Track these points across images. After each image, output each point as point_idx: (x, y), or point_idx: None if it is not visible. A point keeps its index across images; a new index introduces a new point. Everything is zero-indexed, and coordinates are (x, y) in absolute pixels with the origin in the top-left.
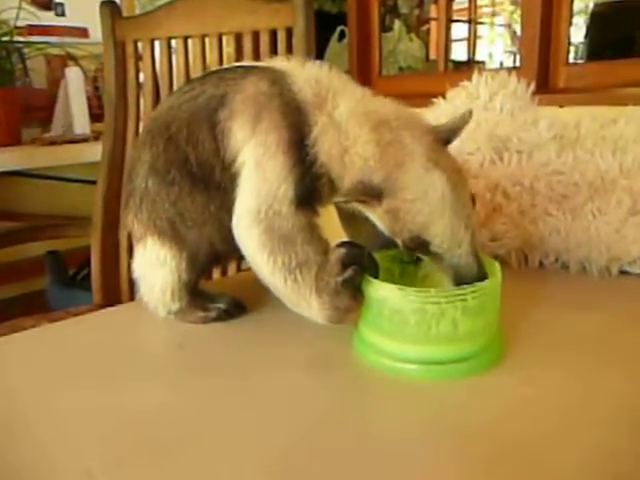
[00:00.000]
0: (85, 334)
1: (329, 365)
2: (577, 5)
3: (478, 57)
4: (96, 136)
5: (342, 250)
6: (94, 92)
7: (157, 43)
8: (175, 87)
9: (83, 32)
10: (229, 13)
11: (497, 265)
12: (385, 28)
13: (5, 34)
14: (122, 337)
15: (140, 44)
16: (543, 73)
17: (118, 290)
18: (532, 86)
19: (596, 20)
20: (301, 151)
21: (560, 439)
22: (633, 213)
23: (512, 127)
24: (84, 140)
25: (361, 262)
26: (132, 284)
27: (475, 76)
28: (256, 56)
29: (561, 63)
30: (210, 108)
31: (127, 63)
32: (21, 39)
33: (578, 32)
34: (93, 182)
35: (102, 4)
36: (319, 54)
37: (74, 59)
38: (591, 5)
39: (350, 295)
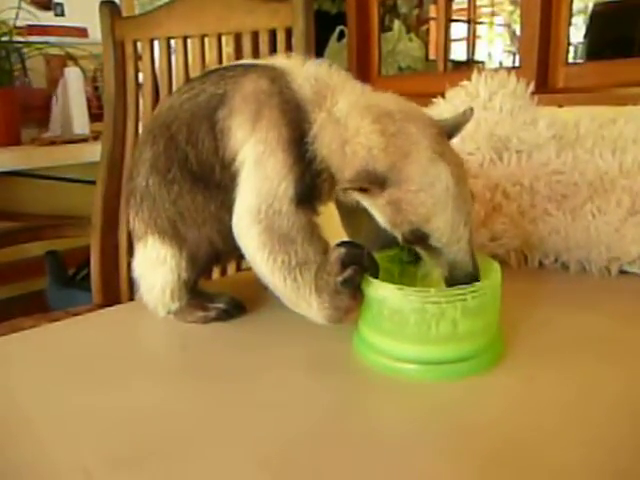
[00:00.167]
0: (84, 334)
1: (329, 365)
2: (577, 5)
3: (477, 57)
4: (95, 136)
5: (342, 250)
6: (93, 92)
7: (156, 43)
8: (174, 87)
9: (82, 32)
10: (228, 13)
11: (497, 265)
12: (384, 28)
13: (4, 34)
14: (121, 337)
15: (139, 44)
16: (542, 73)
17: (117, 290)
18: (531, 86)
19: (595, 20)
20: (301, 149)
21: (560, 437)
22: (633, 213)
23: (512, 127)
24: (83, 140)
25: (361, 262)
26: (131, 284)
27: (475, 76)
28: (255, 56)
29: (560, 63)
30: (210, 107)
31: (126, 63)
32: (20, 39)
33: (577, 32)
34: (92, 182)
35: (101, 4)
36: (318, 54)
37: (73, 59)
38: (591, 5)
39: (350, 295)
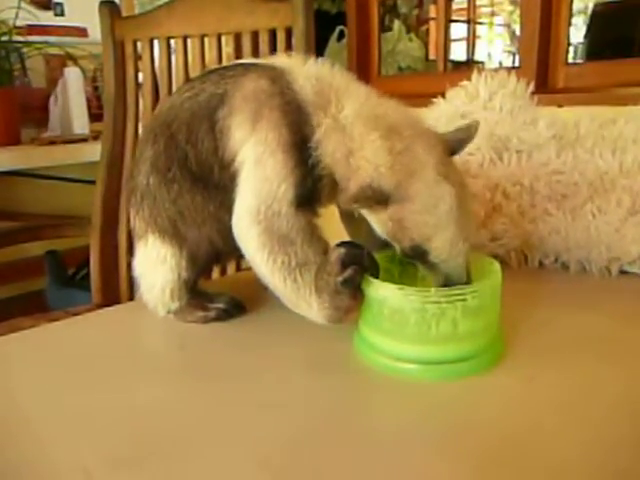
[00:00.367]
0: (84, 334)
1: (329, 365)
2: (577, 5)
3: (477, 57)
4: (95, 136)
5: (342, 250)
6: (93, 92)
7: (156, 43)
8: (174, 87)
9: (82, 32)
10: (228, 13)
11: (497, 265)
12: (384, 28)
13: (4, 34)
14: (121, 337)
15: (139, 44)
16: (542, 73)
17: (117, 290)
18: (531, 86)
19: (596, 20)
20: (302, 152)
21: (560, 437)
22: (633, 213)
23: (512, 127)
24: (83, 140)
25: (361, 262)
26: (131, 284)
27: (475, 75)
28: (255, 56)
29: (560, 63)
30: (210, 106)
31: (126, 63)
32: (20, 39)
33: (577, 32)
34: (92, 182)
35: (101, 4)
36: (318, 54)
37: (73, 59)
38: (591, 5)
39: (350, 295)
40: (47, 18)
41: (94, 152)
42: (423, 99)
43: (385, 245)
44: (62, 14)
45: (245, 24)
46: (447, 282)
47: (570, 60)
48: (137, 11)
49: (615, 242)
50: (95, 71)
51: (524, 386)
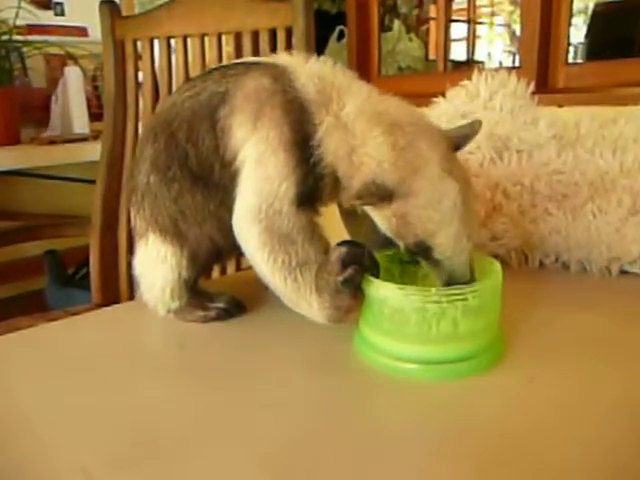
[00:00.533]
0: (83, 334)
1: (329, 365)
2: (577, 5)
3: (477, 57)
4: (95, 135)
5: (342, 249)
6: (93, 91)
7: (156, 42)
8: (174, 87)
9: (82, 31)
10: (228, 13)
11: (497, 265)
12: (384, 28)
13: (4, 33)
14: (121, 336)
15: (139, 43)
16: (542, 73)
17: (117, 289)
18: (532, 86)
19: (596, 20)
20: (304, 151)
21: (559, 437)
22: (633, 212)
23: (512, 126)
24: (83, 139)
25: (361, 261)
26: (131, 283)
27: (475, 75)
28: (256, 55)
29: (560, 63)
30: (211, 105)
31: (126, 62)
32: (20, 38)
33: (577, 32)
34: (92, 181)
35: (101, 3)
36: (318, 54)
37: (73, 58)
38: (591, 5)
39: (350, 294)
40: (47, 18)
41: (94, 152)
42: (423, 99)
43: (386, 244)
44: (62, 14)
45: (245, 24)
46: (451, 280)
47: (570, 60)
48: (137, 11)
49: (615, 242)
50: (95, 71)
51: (524, 386)
